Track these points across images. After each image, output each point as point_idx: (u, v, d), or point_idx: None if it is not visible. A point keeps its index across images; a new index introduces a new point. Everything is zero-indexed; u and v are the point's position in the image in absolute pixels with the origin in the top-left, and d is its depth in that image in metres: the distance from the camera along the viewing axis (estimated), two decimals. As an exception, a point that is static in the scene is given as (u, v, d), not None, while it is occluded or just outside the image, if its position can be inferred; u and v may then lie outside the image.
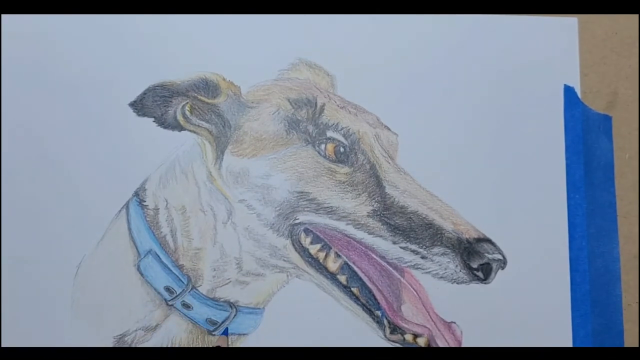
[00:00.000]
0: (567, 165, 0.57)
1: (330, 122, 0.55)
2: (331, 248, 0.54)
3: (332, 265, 0.54)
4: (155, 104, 0.55)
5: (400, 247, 0.53)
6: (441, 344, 0.54)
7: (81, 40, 0.57)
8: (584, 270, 0.55)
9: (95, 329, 0.53)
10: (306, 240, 0.54)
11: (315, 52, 0.58)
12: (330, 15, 0.58)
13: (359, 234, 0.53)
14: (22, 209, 0.54)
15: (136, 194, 0.54)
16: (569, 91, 0.58)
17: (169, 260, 0.53)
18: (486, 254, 0.53)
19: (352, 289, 0.54)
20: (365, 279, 0.54)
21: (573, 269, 0.55)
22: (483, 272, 0.53)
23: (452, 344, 0.54)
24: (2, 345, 0.52)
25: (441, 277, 0.53)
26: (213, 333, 0.53)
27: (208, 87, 0.56)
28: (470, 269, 0.53)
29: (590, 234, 0.56)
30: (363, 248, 0.54)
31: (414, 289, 0.54)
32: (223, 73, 0.56)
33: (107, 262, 0.53)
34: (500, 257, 0.54)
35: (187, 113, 0.55)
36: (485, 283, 0.54)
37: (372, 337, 0.54)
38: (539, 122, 0.58)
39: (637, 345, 0.55)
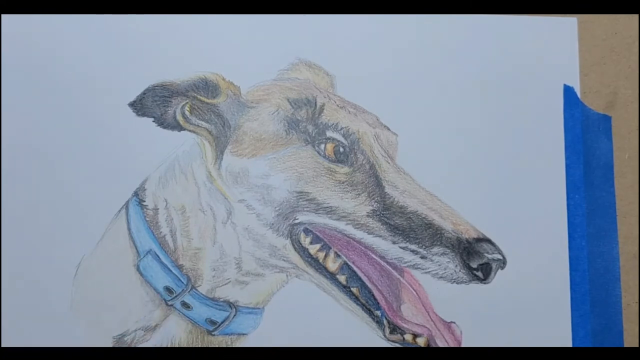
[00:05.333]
0: (567, 165, 0.57)
1: (329, 122, 0.55)
2: (331, 248, 0.54)
3: (332, 265, 0.54)
4: (154, 104, 0.55)
5: (400, 247, 0.53)
6: (441, 344, 0.54)
7: (81, 40, 0.57)
8: (583, 270, 0.55)
9: (94, 329, 0.53)
10: (306, 240, 0.54)
11: (315, 52, 0.58)
12: (330, 15, 0.58)
13: (359, 234, 0.53)
14: (22, 209, 0.54)
15: (136, 194, 0.54)
16: (568, 91, 0.58)
17: (168, 260, 0.53)
18: (486, 254, 0.53)
19: (352, 288, 0.54)
20: (364, 278, 0.54)
21: (573, 269, 0.55)
22: (483, 272, 0.53)
23: (452, 344, 0.54)
24: (2, 345, 0.52)
25: (441, 277, 0.53)
26: (213, 333, 0.53)
27: (208, 87, 0.56)
28: (470, 268, 0.53)
29: (590, 233, 0.56)
30: (363, 248, 0.54)
31: (413, 288, 0.54)
32: (223, 73, 0.56)
33: (106, 262, 0.53)
34: (499, 257, 0.54)
35: (187, 113, 0.55)
36: (484, 283, 0.54)
37: (372, 337, 0.54)
38: (539, 122, 0.58)
39: (636, 345, 0.55)
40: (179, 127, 0.55)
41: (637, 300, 0.56)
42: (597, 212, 0.57)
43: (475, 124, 0.57)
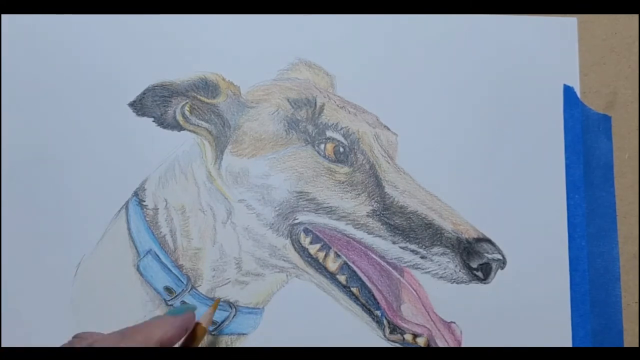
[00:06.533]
0: (567, 165, 0.57)
1: (329, 122, 0.55)
2: (331, 248, 0.54)
3: (332, 265, 0.54)
4: (154, 104, 0.55)
5: (400, 247, 0.53)
6: (441, 344, 0.54)
7: (81, 40, 0.57)
8: (583, 270, 0.55)
9: (95, 329, 0.53)
10: (306, 240, 0.54)
11: (315, 52, 0.58)
12: (330, 15, 0.58)
13: (359, 234, 0.53)
14: (22, 209, 0.54)
15: (136, 193, 0.54)
16: (568, 91, 0.58)
17: (168, 260, 0.53)
18: (486, 254, 0.53)
19: (352, 288, 0.54)
20: (364, 278, 0.54)
21: (573, 269, 0.55)
22: (483, 272, 0.53)
23: (452, 344, 0.54)
24: (2, 345, 0.52)
25: (441, 277, 0.53)
26: (213, 333, 0.53)
27: (207, 87, 0.56)
28: (470, 268, 0.53)
29: (590, 233, 0.56)
30: (363, 248, 0.54)
31: (413, 288, 0.54)
32: (223, 73, 0.56)
33: (106, 262, 0.53)
34: (499, 257, 0.54)
35: (187, 113, 0.55)
36: (484, 283, 0.54)
37: (372, 337, 0.54)
38: (539, 122, 0.58)
39: (636, 345, 0.55)
40: (179, 127, 0.55)
41: (637, 300, 0.56)
42: (597, 212, 0.57)
43: (475, 124, 0.57)
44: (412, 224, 0.53)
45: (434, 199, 0.55)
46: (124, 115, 0.55)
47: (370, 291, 0.54)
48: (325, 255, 0.54)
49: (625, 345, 0.55)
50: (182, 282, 0.53)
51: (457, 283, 0.53)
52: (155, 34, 0.57)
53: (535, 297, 0.55)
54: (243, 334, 0.54)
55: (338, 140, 0.55)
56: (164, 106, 0.55)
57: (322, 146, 0.55)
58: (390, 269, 0.54)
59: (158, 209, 0.54)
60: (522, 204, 0.56)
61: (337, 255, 0.54)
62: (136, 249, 0.54)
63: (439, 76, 0.58)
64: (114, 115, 0.55)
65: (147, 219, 0.54)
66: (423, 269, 0.53)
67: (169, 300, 0.53)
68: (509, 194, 0.56)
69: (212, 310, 0.50)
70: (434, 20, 0.59)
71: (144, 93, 0.55)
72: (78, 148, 0.55)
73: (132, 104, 0.55)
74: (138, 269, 0.53)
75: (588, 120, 0.58)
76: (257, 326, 0.54)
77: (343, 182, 0.54)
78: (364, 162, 0.55)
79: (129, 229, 0.54)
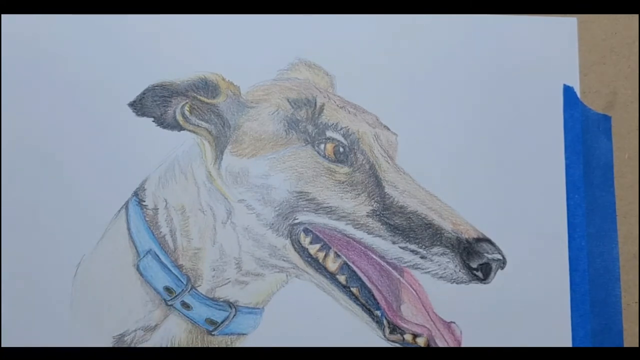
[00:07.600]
0: (567, 165, 0.57)
1: (329, 122, 0.55)
2: (330, 248, 0.54)
3: (332, 265, 0.54)
4: (154, 104, 0.55)
5: (400, 247, 0.53)
6: (440, 344, 0.54)
7: (81, 40, 0.57)
8: (583, 270, 0.55)
9: (94, 329, 0.53)
10: (306, 240, 0.54)
11: (314, 52, 0.58)
12: (330, 15, 0.58)
13: (359, 234, 0.53)
14: (22, 209, 0.54)
15: (135, 194, 0.54)
16: (568, 91, 0.58)
17: (168, 260, 0.53)
18: (485, 254, 0.53)
19: (352, 288, 0.54)
20: (364, 278, 0.54)
21: (572, 269, 0.55)
22: (482, 272, 0.53)
23: (452, 344, 0.54)
24: (2, 345, 0.52)
25: (440, 277, 0.53)
26: (213, 333, 0.53)
27: (207, 87, 0.56)
28: (470, 268, 0.53)
29: (590, 234, 0.56)
30: (362, 248, 0.54)
31: (413, 288, 0.54)
32: (222, 73, 0.56)
33: (106, 262, 0.53)
34: (499, 257, 0.54)
35: (187, 113, 0.55)
36: (484, 283, 0.54)
37: (372, 337, 0.54)
38: (538, 122, 0.58)
39: (636, 345, 0.55)
40: (178, 127, 0.55)
41: (637, 300, 0.56)
42: (597, 212, 0.57)
43: (475, 124, 0.58)
44: (412, 224, 0.53)
45: (433, 199, 0.55)
46: (124, 115, 0.55)
47: (370, 291, 0.54)
48: (325, 255, 0.54)
49: (625, 345, 0.55)
50: (182, 282, 0.53)
51: (457, 283, 0.53)
52: (155, 34, 0.57)
53: (535, 297, 0.55)
54: (243, 334, 0.54)
55: (338, 140, 0.55)
56: (164, 106, 0.55)
57: (322, 146, 0.55)
58: (390, 269, 0.54)
59: (158, 209, 0.54)
60: (522, 204, 0.56)
61: (337, 255, 0.54)
62: (136, 249, 0.54)
63: (439, 76, 0.58)
64: (114, 115, 0.55)
65: (147, 219, 0.54)
66: (423, 269, 0.53)
67: (168, 300, 0.53)
68: (509, 194, 0.56)
69: None
70: (434, 20, 0.59)
71: (144, 93, 0.55)
72: (78, 148, 0.55)
73: (132, 104, 0.55)
74: (138, 269, 0.53)
75: (588, 120, 0.58)
76: (257, 326, 0.54)
77: (343, 182, 0.54)
78: (363, 162, 0.55)
79: (128, 229, 0.54)
